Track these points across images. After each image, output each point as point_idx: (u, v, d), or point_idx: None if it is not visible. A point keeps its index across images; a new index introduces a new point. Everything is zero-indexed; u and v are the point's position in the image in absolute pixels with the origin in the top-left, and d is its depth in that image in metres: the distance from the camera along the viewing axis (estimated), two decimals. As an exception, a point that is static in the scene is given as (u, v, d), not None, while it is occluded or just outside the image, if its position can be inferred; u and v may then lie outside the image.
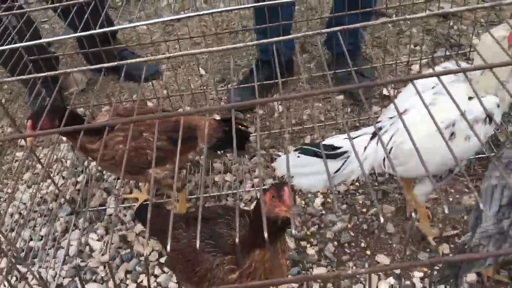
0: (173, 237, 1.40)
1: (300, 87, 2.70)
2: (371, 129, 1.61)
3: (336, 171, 1.55)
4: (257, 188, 2.16)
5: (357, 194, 2.11)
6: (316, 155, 1.52)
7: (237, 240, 0.85)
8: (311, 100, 2.60)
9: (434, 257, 1.52)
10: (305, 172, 1.55)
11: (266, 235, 0.77)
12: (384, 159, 1.57)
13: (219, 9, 1.58)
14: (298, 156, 1.55)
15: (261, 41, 1.22)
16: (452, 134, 1.51)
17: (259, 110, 2.63)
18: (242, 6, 1.73)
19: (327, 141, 1.57)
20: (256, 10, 2.46)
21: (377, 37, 3.01)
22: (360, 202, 2.07)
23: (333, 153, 1.54)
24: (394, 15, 3.11)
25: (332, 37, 2.61)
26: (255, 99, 0.94)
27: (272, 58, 2.33)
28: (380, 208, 2.02)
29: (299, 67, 2.80)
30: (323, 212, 2.05)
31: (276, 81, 2.34)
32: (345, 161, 1.54)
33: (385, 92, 2.60)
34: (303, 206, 2.08)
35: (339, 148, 1.54)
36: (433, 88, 1.57)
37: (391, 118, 1.61)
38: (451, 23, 3.03)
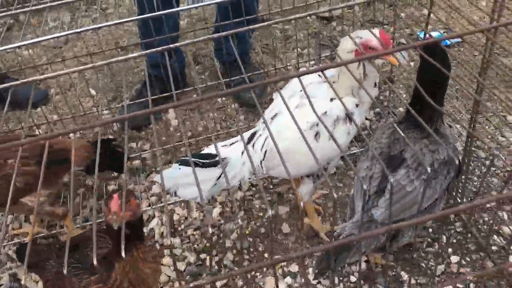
0: (43, 267, 1.37)
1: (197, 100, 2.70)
2: (247, 134, 1.65)
3: (218, 178, 1.58)
4: (154, 207, 2.13)
5: (254, 199, 2.15)
6: (196, 165, 1.54)
7: (94, 259, 0.85)
8: (206, 111, 2.62)
9: (309, 248, 1.58)
10: (188, 182, 1.56)
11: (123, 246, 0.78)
12: (261, 162, 1.62)
13: (99, 25, 1.53)
14: (179, 168, 1.56)
15: (147, 51, 1.22)
16: (317, 134, 1.59)
17: (154, 125, 2.60)
18: (123, 20, 1.70)
19: (206, 150, 1.60)
20: (141, 25, 2.44)
21: (266, 44, 3.10)
22: (257, 206, 2.11)
23: (212, 161, 1.56)
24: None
25: (222, 47, 2.65)
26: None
27: (165, 71, 2.33)
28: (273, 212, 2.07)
29: (193, 80, 2.81)
30: (222, 221, 2.07)
31: (170, 93, 2.34)
32: (225, 167, 1.58)
33: (274, 97, 2.67)
34: (195, 218, 2.08)
35: (216, 155, 1.57)
36: (301, 90, 1.64)
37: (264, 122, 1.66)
38: (334, 25, 3.19)
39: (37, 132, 2.43)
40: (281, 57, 2.97)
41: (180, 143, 2.40)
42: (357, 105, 1.60)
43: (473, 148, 2.25)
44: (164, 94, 2.34)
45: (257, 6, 2.63)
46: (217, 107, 2.66)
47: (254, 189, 2.19)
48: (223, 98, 2.70)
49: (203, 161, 1.55)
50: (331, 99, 1.59)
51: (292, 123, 1.58)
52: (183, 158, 1.59)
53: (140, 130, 2.55)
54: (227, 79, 2.56)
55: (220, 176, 1.57)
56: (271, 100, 2.76)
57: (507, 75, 2.58)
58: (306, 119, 1.56)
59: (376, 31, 1.55)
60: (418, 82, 1.62)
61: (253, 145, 1.62)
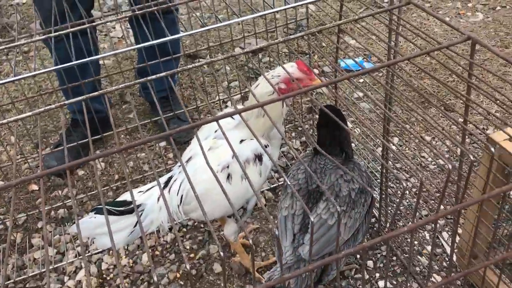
0: None
1: (124, 139, 2.66)
2: (164, 179, 1.64)
3: (135, 225, 1.55)
4: (80, 257, 2.05)
5: (185, 239, 2.11)
6: (112, 213, 1.51)
7: None
8: (134, 151, 2.58)
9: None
10: (104, 231, 1.52)
11: None
12: (178, 206, 1.60)
13: (22, 76, 1.45)
14: (95, 217, 1.52)
15: (73, 100, 1.17)
16: (229, 175, 1.59)
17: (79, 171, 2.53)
18: (44, 70, 1.65)
19: (122, 197, 1.57)
20: (60, 74, 2.38)
21: (194, 80, 3.10)
22: (188, 247, 2.08)
23: (128, 208, 1.53)
24: (207, 56, 3.25)
25: (147, 85, 2.63)
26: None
27: (90, 116, 2.27)
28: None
29: (120, 121, 2.77)
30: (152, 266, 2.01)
31: (96, 137, 2.29)
32: (141, 213, 1.55)
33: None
34: (131, 265, 2.02)
35: (131, 203, 1.54)
36: (215, 132, 1.65)
37: (180, 166, 1.66)
38: (260, 56, 3.25)
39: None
40: (209, 91, 2.99)
41: (106, 187, 2.34)
42: (266, 146, 1.62)
43: (395, 171, 2.34)
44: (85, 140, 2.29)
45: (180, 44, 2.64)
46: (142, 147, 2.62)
47: (185, 229, 2.16)
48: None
49: (118, 209, 1.52)
50: (241, 141, 1.61)
51: (205, 166, 1.59)
52: (98, 206, 1.56)
53: (65, 177, 2.46)
54: (154, 118, 2.54)
55: (137, 223, 1.54)
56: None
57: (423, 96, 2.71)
58: (218, 161, 1.57)
59: (292, 63, 1.60)
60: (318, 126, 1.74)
61: (169, 190, 1.60)
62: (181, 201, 1.60)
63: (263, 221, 2.15)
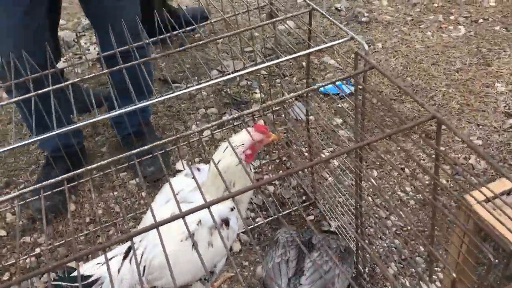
0: None
1: (97, 177, 2.57)
2: (122, 248, 1.55)
3: None
4: (48, 314, 1.97)
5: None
6: None
7: None
8: (106, 190, 2.49)
9: None
10: (64, 310, 1.44)
11: None
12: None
13: None
14: None
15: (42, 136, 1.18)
16: (194, 243, 1.52)
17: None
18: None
19: (81, 270, 1.48)
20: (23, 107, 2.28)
21: (170, 106, 3.01)
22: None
23: (85, 283, 1.45)
24: (183, 81, 3.15)
25: (121, 120, 2.53)
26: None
27: (66, 150, 2.18)
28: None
29: (93, 152, 2.69)
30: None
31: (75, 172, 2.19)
32: (100, 287, 1.47)
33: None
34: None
35: (89, 276, 1.46)
36: (177, 194, 1.56)
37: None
38: (238, 80, 3.15)
39: None
40: (185, 119, 2.89)
41: (80, 235, 2.25)
42: (232, 209, 1.54)
43: (374, 207, 2.27)
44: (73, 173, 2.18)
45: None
46: (117, 184, 2.54)
47: None
48: (122, 174, 2.59)
49: (74, 284, 1.43)
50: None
51: (168, 235, 1.51)
52: (55, 282, 1.46)
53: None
54: (127, 153, 2.44)
55: None
56: (176, 171, 2.69)
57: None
58: (182, 229, 1.49)
59: (250, 128, 1.54)
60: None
61: (130, 261, 1.52)
62: (143, 271, 1.52)
63: (238, 268, 2.08)
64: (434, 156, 1.13)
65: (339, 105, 2.88)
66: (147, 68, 2.24)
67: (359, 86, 1.33)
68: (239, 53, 3.09)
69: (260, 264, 2.06)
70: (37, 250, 2.22)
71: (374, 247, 2.05)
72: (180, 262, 1.49)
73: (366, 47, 1.28)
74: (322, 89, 3.09)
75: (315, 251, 1.66)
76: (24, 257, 2.19)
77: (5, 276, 2.16)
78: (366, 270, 1.93)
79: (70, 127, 1.38)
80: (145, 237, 1.54)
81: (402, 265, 2.00)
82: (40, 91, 1.48)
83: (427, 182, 2.33)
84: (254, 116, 2.69)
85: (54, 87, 1.46)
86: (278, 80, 3.04)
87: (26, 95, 1.48)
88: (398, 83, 1.16)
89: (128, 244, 1.56)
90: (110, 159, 1.12)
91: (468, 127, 2.59)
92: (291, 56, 1.45)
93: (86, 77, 1.51)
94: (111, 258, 1.52)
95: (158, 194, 1.64)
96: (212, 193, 1.51)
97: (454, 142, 2.49)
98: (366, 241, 1.95)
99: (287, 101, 2.65)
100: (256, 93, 3.02)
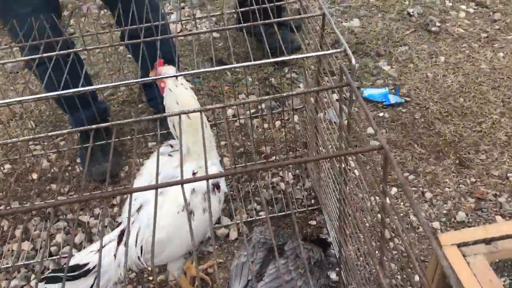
0: None
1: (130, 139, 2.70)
2: (115, 233, 1.61)
3: (92, 287, 1.54)
4: (51, 258, 2.14)
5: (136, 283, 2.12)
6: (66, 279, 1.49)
7: None
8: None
9: None
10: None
11: None
12: (139, 258, 1.58)
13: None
14: (46, 287, 1.49)
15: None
16: (191, 212, 1.55)
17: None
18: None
19: (72, 262, 1.53)
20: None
21: (214, 86, 3.07)
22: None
23: (81, 271, 1.51)
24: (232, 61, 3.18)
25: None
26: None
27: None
28: None
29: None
30: None
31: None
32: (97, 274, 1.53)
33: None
34: None
35: (86, 265, 1.52)
36: (160, 174, 1.61)
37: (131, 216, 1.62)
38: (286, 71, 3.13)
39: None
40: (225, 101, 2.94)
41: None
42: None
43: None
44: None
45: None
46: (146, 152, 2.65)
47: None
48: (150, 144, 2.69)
49: (71, 274, 1.51)
50: (193, 173, 1.57)
51: (163, 212, 1.57)
52: (49, 275, 1.50)
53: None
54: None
55: (93, 284, 1.52)
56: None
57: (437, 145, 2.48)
58: (176, 203, 1.55)
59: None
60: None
61: (125, 244, 1.57)
62: (141, 252, 1.58)
63: (229, 256, 2.11)
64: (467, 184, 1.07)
65: (379, 114, 2.77)
66: (168, 44, 2.30)
67: (343, 96, 1.28)
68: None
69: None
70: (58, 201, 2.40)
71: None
72: (180, 235, 1.56)
73: (353, 61, 1.22)
74: (366, 94, 2.99)
75: (283, 258, 1.62)
76: (44, 203, 2.38)
77: (25, 217, 2.36)
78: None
79: (98, 86, 1.40)
80: (136, 219, 1.59)
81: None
82: (58, 53, 1.49)
83: (445, 210, 2.20)
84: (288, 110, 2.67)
85: (64, 52, 1.50)
86: (326, 79, 2.98)
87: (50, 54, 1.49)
88: (364, 107, 1.10)
89: (120, 228, 1.61)
90: (156, 116, 1.06)
91: (510, 163, 2.38)
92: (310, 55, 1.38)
93: (103, 46, 1.57)
94: (104, 246, 1.58)
95: (137, 178, 1.68)
96: (192, 153, 1.55)
97: (487, 176, 2.31)
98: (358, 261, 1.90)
99: (326, 101, 2.60)
100: (299, 87, 2.99)
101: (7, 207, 2.38)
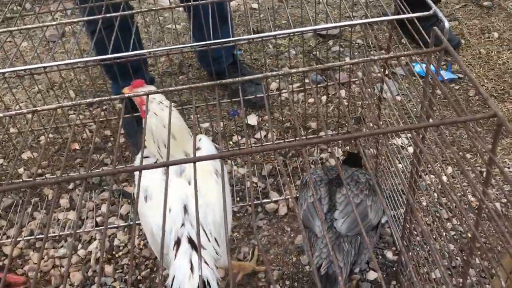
0: None
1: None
2: (171, 242, 1.41)
3: None
4: (97, 228, 2.11)
5: None
6: None
7: None
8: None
9: None
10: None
11: None
12: (217, 252, 1.45)
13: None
14: None
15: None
16: (221, 175, 1.48)
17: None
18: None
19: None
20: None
21: (255, 59, 2.98)
22: None
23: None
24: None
25: (206, 53, 2.47)
26: None
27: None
28: None
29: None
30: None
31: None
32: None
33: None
34: None
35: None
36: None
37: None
38: (330, 44, 3.02)
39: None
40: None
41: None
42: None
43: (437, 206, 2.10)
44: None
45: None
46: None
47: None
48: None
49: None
50: (198, 148, 1.58)
51: (204, 190, 1.49)
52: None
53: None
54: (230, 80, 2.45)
55: None
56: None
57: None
58: (208, 172, 1.50)
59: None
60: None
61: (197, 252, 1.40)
62: (218, 244, 1.46)
63: (279, 232, 2.05)
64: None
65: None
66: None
67: (430, 66, 1.18)
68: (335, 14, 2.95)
69: (300, 233, 2.02)
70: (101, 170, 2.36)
71: (423, 247, 1.91)
72: (223, 209, 1.48)
73: (447, 25, 1.12)
74: (419, 69, 2.87)
75: (344, 187, 1.65)
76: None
77: (70, 186, 2.33)
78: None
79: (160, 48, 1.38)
80: (188, 220, 1.43)
81: (450, 273, 1.84)
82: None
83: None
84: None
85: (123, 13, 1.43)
86: (372, 53, 2.86)
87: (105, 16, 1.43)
88: (468, 73, 1.00)
89: (172, 236, 1.41)
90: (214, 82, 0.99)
91: None
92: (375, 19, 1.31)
93: (158, 8, 1.49)
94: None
95: (141, 194, 1.52)
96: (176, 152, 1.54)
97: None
98: (418, 238, 1.82)
99: (375, 77, 2.50)
100: (345, 61, 2.88)
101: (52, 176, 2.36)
